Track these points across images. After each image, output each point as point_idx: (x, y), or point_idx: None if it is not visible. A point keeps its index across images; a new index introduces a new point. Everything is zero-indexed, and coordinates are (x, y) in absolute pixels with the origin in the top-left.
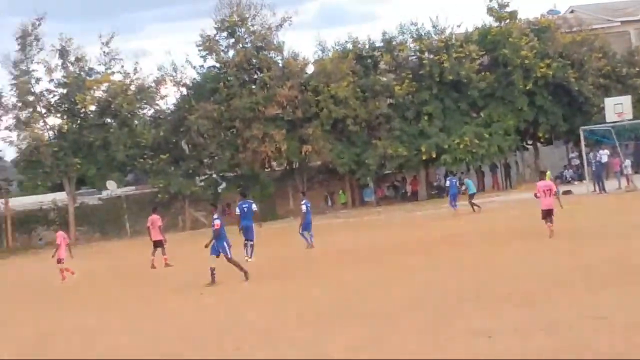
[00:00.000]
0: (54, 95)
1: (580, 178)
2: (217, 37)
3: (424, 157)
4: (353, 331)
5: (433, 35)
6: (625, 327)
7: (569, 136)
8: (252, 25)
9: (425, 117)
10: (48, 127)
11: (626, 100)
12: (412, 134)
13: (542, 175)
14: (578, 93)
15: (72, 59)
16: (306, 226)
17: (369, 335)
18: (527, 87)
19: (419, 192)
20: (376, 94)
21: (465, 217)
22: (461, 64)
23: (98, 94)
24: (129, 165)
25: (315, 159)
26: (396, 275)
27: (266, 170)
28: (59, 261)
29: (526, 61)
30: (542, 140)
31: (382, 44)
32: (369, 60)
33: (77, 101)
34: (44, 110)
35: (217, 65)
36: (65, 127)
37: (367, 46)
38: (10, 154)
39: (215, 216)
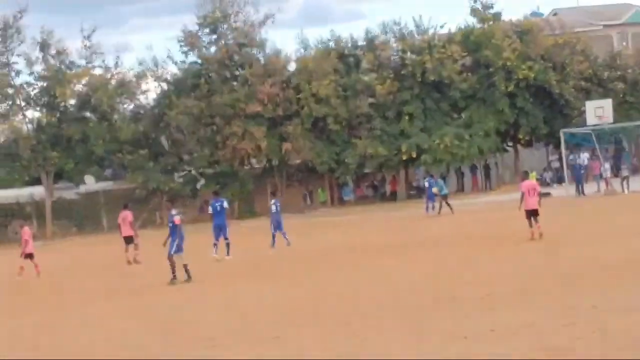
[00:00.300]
0: (34, 89)
1: (560, 181)
2: (199, 33)
3: (404, 157)
4: (329, 331)
5: (416, 36)
6: (601, 330)
7: (549, 139)
8: (235, 22)
9: (406, 117)
10: (27, 120)
11: (607, 104)
12: (393, 134)
13: (524, 175)
14: (559, 96)
15: (52, 52)
16: (277, 226)
17: (344, 336)
18: (509, 89)
19: (398, 192)
20: (357, 93)
21: (443, 219)
22: (443, 65)
23: (78, 87)
24: (107, 160)
25: (295, 157)
26: (372, 276)
27: (245, 167)
28: (29, 256)
29: (508, 63)
30: (522, 142)
31: (364, 43)
32: (351, 59)
33: (57, 95)
34: (23, 103)
35: (199, 61)
36: (45, 120)
37: (349, 45)
38: None
39: (174, 212)
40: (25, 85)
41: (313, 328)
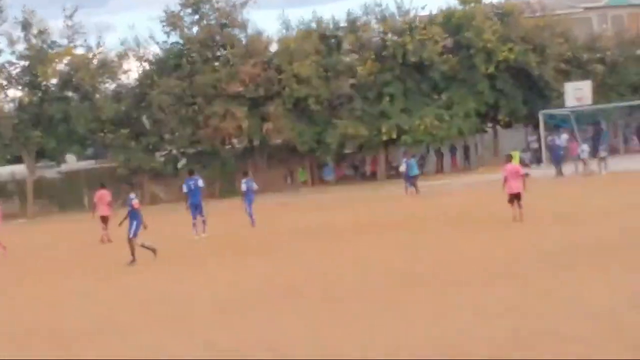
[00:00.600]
0: (16, 68)
1: (539, 162)
2: (181, 13)
3: (384, 138)
4: (305, 313)
5: (397, 17)
6: (584, 311)
7: (529, 120)
8: (217, 2)
9: (387, 98)
10: (9, 99)
11: (586, 86)
12: (373, 115)
13: (508, 158)
14: (539, 77)
15: (34, 31)
16: (248, 205)
17: (320, 317)
18: (489, 71)
19: (378, 173)
20: (339, 74)
21: (422, 200)
22: (424, 46)
23: (60, 67)
24: (89, 139)
25: (276, 137)
26: (349, 257)
27: (227, 147)
28: None
29: (489, 45)
30: (501, 123)
31: (346, 24)
32: (333, 40)
33: (39, 74)
34: (4, 82)
35: (181, 41)
36: (26, 99)
37: (331, 26)
38: None
39: (132, 196)
40: (6, 65)
41: (288, 308)
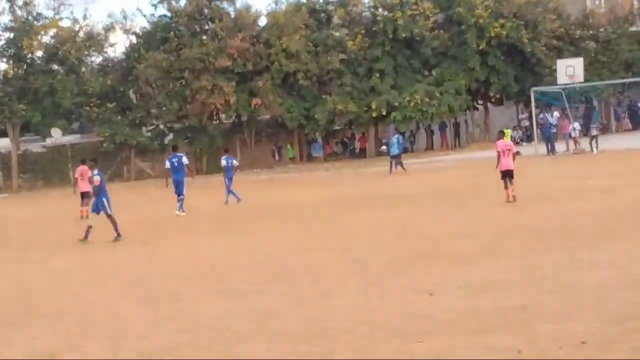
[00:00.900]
0: (0, 40)
1: (529, 139)
2: None
3: (374, 114)
4: (295, 289)
5: None
6: (572, 288)
7: (520, 97)
8: None
9: (377, 74)
10: None
11: (578, 63)
12: (363, 91)
13: (500, 135)
14: (531, 54)
15: (19, 3)
16: (228, 182)
17: (311, 291)
18: (480, 47)
19: (367, 150)
20: (328, 49)
21: (412, 176)
22: (415, 22)
23: (46, 39)
24: (75, 113)
25: (265, 113)
26: (338, 234)
27: (214, 122)
28: None
29: (480, 20)
30: (492, 100)
31: None
32: (323, 15)
33: (24, 46)
34: None
35: (168, 14)
36: (11, 72)
37: (321, 0)
38: None
39: (95, 172)
40: None
41: (276, 283)
